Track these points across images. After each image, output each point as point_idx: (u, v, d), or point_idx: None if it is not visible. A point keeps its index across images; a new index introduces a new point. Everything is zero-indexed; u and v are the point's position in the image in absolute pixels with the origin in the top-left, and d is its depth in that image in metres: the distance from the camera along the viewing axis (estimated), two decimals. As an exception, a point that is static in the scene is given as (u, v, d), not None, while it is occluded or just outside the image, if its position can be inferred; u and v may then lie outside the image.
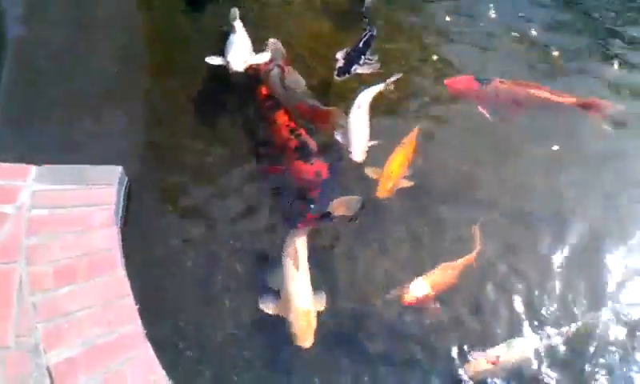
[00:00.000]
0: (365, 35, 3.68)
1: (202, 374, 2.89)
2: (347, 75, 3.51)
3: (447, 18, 4.17)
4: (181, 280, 3.10)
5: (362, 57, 3.60)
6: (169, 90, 3.71)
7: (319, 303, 2.96)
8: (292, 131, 3.38)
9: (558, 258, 3.26)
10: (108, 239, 2.87)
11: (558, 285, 3.18)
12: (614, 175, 3.53)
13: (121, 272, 2.79)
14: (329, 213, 3.19)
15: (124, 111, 3.59)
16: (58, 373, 2.49)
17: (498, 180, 3.51)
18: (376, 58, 3.67)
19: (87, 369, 2.52)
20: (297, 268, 2.99)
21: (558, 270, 3.22)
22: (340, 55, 3.59)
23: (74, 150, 3.30)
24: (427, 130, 3.53)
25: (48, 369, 2.49)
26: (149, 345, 2.66)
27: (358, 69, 3.56)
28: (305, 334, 2.84)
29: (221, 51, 3.57)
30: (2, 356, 2.48)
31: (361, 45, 3.63)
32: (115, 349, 2.60)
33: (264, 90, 3.58)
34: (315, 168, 3.27)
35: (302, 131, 3.39)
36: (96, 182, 3.02)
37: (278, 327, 2.91)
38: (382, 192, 3.21)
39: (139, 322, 2.70)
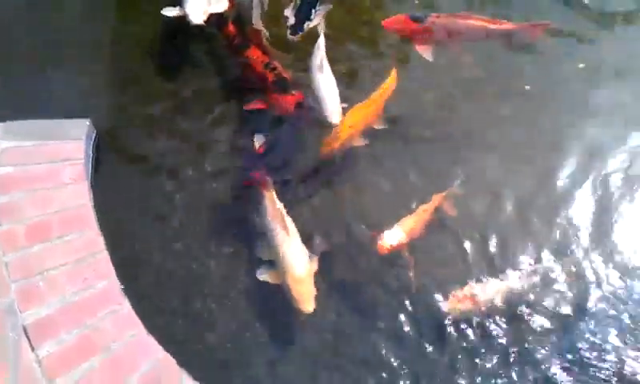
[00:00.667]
0: None
1: (181, 329, 2.87)
2: (300, 33, 3.41)
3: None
4: (155, 234, 3.06)
5: (312, 10, 3.44)
6: (133, 38, 3.61)
7: (314, 265, 2.90)
8: (267, 65, 3.33)
9: (537, 196, 3.25)
10: (79, 195, 2.81)
11: (536, 224, 3.18)
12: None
13: (94, 227, 2.75)
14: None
15: (88, 62, 3.48)
16: (34, 331, 2.45)
17: (475, 119, 3.49)
18: (326, 7, 3.53)
19: (64, 326, 2.49)
20: (287, 232, 2.89)
21: (537, 210, 3.21)
22: (289, 12, 3.45)
23: (39, 104, 3.21)
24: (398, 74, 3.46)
25: (24, 328, 2.45)
26: (127, 300, 2.63)
27: (310, 24, 3.44)
28: (308, 300, 2.77)
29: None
30: (-23, 317, 2.45)
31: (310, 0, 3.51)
32: (92, 305, 2.56)
33: (231, 29, 3.49)
34: (296, 98, 3.21)
35: (277, 64, 3.34)
36: (64, 137, 2.94)
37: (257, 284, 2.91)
38: (325, 149, 3.15)
39: (115, 277, 2.66)
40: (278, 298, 2.83)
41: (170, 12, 3.37)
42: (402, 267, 3.03)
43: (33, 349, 2.42)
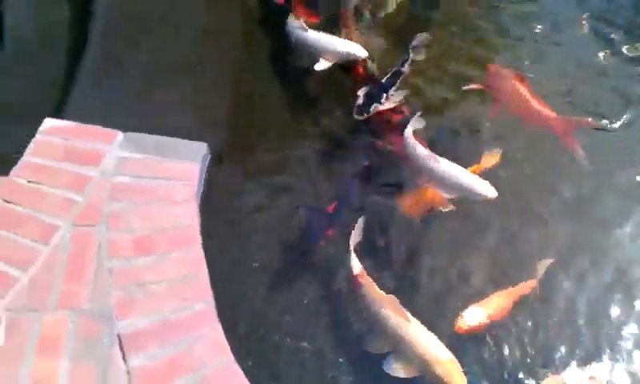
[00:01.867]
0: (392, 71, 3.52)
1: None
2: (366, 115, 3.38)
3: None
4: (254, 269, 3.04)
5: (384, 95, 3.41)
6: (256, 65, 3.66)
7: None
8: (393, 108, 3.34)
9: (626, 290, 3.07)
10: (188, 215, 2.81)
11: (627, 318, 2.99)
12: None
13: (198, 249, 2.73)
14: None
15: (208, 84, 3.53)
16: (128, 341, 2.43)
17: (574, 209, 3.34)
18: (401, 93, 3.47)
19: (157, 341, 2.45)
20: (404, 317, 2.74)
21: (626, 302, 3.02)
22: (361, 92, 3.44)
23: (155, 118, 3.27)
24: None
25: (119, 336, 2.43)
26: (220, 326, 2.59)
27: (379, 107, 3.41)
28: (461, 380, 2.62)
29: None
30: (75, 317, 2.45)
31: (384, 81, 3.48)
32: (187, 325, 2.52)
33: (360, 71, 3.53)
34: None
35: (405, 108, 3.34)
36: (181, 157, 2.97)
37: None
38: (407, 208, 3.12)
39: (212, 301, 2.62)
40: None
41: (322, 65, 3.44)
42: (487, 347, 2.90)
43: (124, 359, 2.39)
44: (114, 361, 2.38)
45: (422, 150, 3.03)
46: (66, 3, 3.74)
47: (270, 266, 3.10)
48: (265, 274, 3.09)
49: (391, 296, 2.80)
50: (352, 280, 2.92)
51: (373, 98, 3.35)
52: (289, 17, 3.68)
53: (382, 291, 2.84)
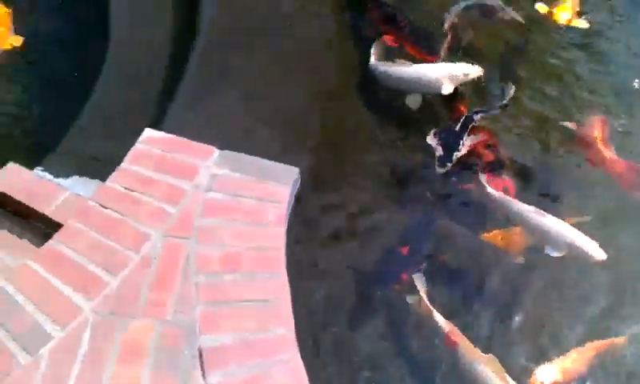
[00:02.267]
0: (465, 118, 3.45)
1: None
2: (449, 165, 3.32)
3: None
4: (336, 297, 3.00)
5: (461, 140, 3.38)
6: (352, 93, 3.67)
7: None
8: (488, 146, 3.26)
9: None
10: (276, 238, 2.80)
11: None
12: None
13: (283, 274, 2.71)
14: None
15: (302, 107, 3.54)
16: (209, 356, 2.42)
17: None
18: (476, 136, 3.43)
19: (237, 360, 2.43)
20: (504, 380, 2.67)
21: None
22: (434, 141, 3.37)
23: (249, 137, 3.29)
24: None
25: (200, 350, 2.43)
26: (299, 353, 2.55)
27: (459, 154, 3.34)
28: None
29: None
30: (159, 327, 2.46)
31: (458, 128, 3.40)
32: (267, 349, 2.50)
33: (462, 107, 3.49)
34: (504, 183, 3.11)
35: (497, 144, 3.27)
36: (272, 178, 2.98)
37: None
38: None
39: (293, 327, 2.59)
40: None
41: (415, 101, 3.42)
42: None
43: (203, 374, 2.38)
44: (193, 374, 2.37)
45: (524, 206, 2.97)
46: (167, 20, 3.85)
47: (342, 302, 3.07)
48: (337, 311, 3.05)
49: (490, 356, 2.73)
50: (444, 339, 2.85)
51: (451, 147, 3.32)
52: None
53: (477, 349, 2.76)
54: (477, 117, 3.45)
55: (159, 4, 3.90)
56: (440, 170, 3.31)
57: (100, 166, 3.06)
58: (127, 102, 3.42)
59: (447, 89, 3.52)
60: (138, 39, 3.69)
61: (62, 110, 3.54)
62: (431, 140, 3.38)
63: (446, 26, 3.86)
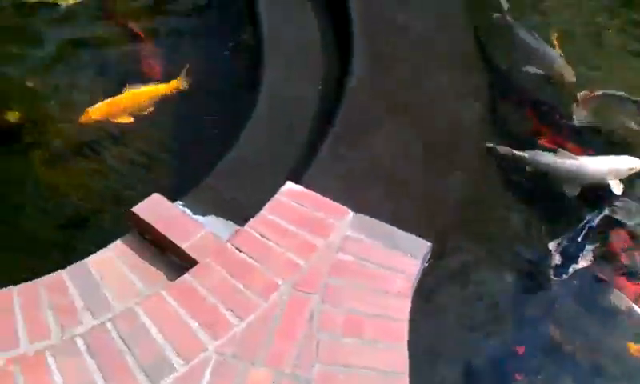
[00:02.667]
0: (585, 225, 3.28)
1: None
2: (565, 277, 3.15)
3: None
4: None
5: (581, 252, 3.23)
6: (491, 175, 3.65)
7: None
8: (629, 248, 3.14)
9: None
10: (401, 309, 2.78)
11: None
12: None
13: (404, 348, 2.67)
14: None
15: (442, 183, 3.52)
16: (321, 419, 2.41)
17: None
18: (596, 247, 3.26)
19: (348, 428, 2.41)
20: None
21: None
22: (554, 248, 3.21)
23: (385, 203, 3.29)
24: None
25: (313, 410, 2.42)
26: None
27: (577, 267, 3.17)
28: None
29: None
30: (278, 378, 2.47)
31: (580, 239, 3.24)
32: (380, 422, 2.46)
33: None
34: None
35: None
36: (403, 249, 2.97)
37: None
38: None
39: (409, 405, 2.54)
40: None
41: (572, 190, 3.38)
42: None
43: (314, 434, 2.37)
44: (304, 433, 2.36)
45: None
46: (318, 78, 3.98)
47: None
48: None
49: None
50: None
51: (570, 257, 3.20)
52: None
53: None
54: (595, 221, 3.32)
55: (313, 63, 4.03)
56: (555, 280, 3.20)
57: (237, 209, 3.15)
58: (270, 152, 3.52)
59: (615, 186, 3.42)
60: (288, 95, 3.81)
61: (206, 152, 3.71)
62: (553, 246, 3.28)
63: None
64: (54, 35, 4.66)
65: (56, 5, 4.87)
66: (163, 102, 4.13)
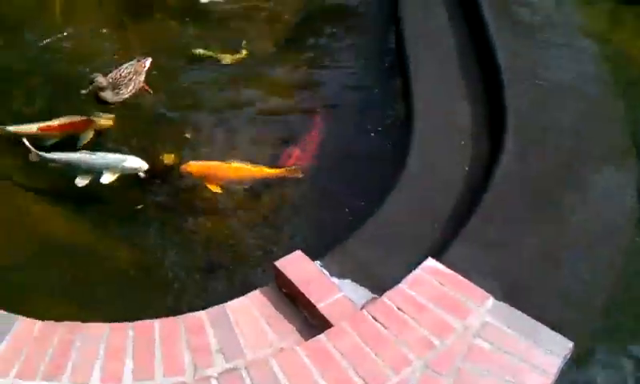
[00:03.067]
0: None
1: None
2: None
3: None
4: None
5: None
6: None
7: None
8: None
9: None
10: (535, 408, 2.65)
11: None
12: None
13: None
14: None
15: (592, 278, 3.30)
16: None
17: None
18: None
19: None
20: None
21: None
22: None
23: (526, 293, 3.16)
24: None
25: None
26: None
27: None
28: None
29: None
30: None
31: None
32: None
33: None
34: None
35: None
36: (543, 345, 2.84)
37: None
38: None
39: None
40: None
41: None
42: None
43: None
44: None
45: None
46: (464, 165, 3.97)
47: None
48: None
49: None
50: None
51: None
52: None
53: None
54: None
55: (462, 154, 4.03)
56: None
57: (372, 277, 3.17)
58: (411, 226, 3.52)
59: None
60: (434, 177, 3.85)
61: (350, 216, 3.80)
62: None
63: None
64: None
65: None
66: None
